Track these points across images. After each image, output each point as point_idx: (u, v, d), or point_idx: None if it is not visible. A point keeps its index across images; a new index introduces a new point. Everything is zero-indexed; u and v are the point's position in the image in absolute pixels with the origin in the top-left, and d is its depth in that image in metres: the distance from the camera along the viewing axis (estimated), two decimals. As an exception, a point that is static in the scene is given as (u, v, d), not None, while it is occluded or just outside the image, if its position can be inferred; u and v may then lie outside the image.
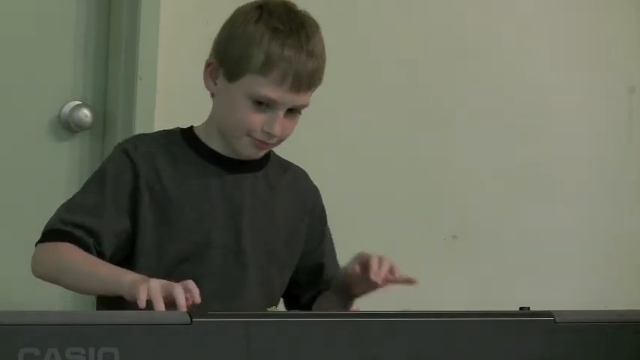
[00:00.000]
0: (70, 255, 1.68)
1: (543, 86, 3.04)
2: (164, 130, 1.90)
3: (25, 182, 2.44)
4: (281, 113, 1.76)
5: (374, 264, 1.73)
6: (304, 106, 1.79)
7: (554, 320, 1.50)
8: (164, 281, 1.53)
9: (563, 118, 3.07)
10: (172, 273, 1.74)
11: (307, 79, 1.76)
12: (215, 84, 1.80)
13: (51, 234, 1.73)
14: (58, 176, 2.47)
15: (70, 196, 1.80)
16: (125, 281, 1.57)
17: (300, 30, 1.76)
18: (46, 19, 2.45)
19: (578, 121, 3.09)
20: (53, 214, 1.77)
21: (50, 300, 2.43)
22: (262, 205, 1.85)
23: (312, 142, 2.64)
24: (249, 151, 1.80)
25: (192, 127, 1.87)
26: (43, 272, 1.72)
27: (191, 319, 1.30)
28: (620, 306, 1.74)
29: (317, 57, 1.77)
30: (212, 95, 1.83)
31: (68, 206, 1.77)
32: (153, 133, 1.90)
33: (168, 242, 1.77)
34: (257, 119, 1.75)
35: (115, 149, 1.81)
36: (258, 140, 1.77)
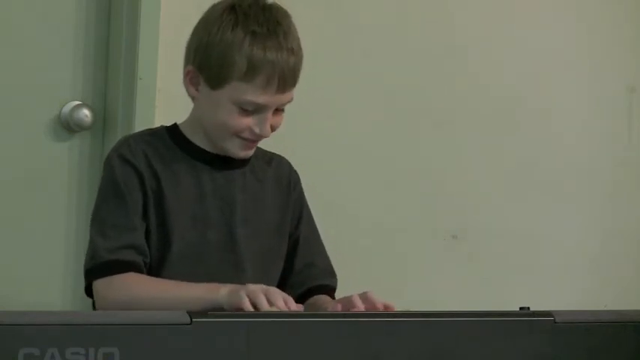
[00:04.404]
0: (140, 287, 1.69)
1: (543, 86, 3.04)
2: (149, 129, 1.90)
3: (25, 182, 2.44)
4: (269, 114, 1.76)
5: (359, 306, 1.66)
6: (290, 102, 1.79)
7: (554, 320, 1.50)
8: (262, 286, 1.55)
9: (563, 117, 3.07)
10: (173, 272, 1.75)
11: (291, 77, 1.76)
12: (197, 90, 1.80)
13: (105, 267, 1.71)
14: (58, 176, 2.47)
15: (94, 220, 1.78)
16: (222, 293, 1.58)
17: (277, 29, 1.75)
18: (46, 19, 2.45)
19: (578, 121, 3.09)
20: (90, 245, 1.75)
21: (50, 300, 2.43)
22: (253, 200, 1.86)
23: (312, 142, 2.64)
24: (238, 152, 1.81)
25: (176, 124, 1.88)
26: (113, 309, 1.69)
27: (191, 319, 1.30)
28: (620, 306, 1.74)
29: (296, 52, 1.77)
30: (193, 99, 1.83)
31: (103, 232, 1.75)
32: (139, 133, 1.89)
33: (167, 242, 1.77)
34: (245, 122, 1.76)
35: (112, 158, 1.79)
36: (247, 140, 1.78)
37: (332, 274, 1.93)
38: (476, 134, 2.93)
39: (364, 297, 1.66)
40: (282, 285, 1.88)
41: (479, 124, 2.93)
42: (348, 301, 1.68)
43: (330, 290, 1.90)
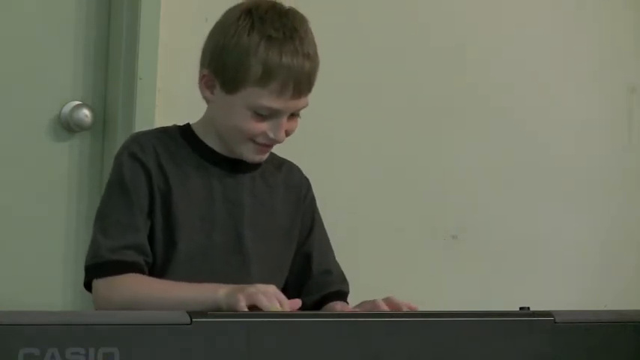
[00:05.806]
0: (140, 287, 1.68)
1: (543, 86, 3.04)
2: (161, 128, 1.89)
3: (25, 182, 2.44)
4: (284, 120, 1.76)
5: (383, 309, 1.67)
6: (305, 107, 1.78)
7: (554, 320, 1.50)
8: (259, 287, 1.54)
9: (563, 117, 3.07)
10: (179, 272, 1.75)
11: (307, 83, 1.75)
12: (212, 93, 1.79)
13: (106, 267, 1.71)
14: (58, 176, 2.46)
15: (98, 216, 1.77)
16: (221, 294, 1.57)
17: (293, 34, 1.74)
18: (46, 19, 2.45)
19: (578, 121, 3.09)
20: (92, 241, 1.74)
21: (50, 300, 2.43)
22: (261, 204, 1.86)
23: (311, 142, 2.64)
24: (252, 157, 1.80)
25: (189, 124, 1.87)
26: (112, 308, 1.68)
27: (191, 319, 1.30)
28: (620, 306, 1.74)
29: (313, 58, 1.76)
30: (207, 102, 1.83)
31: (105, 229, 1.74)
32: (151, 131, 1.89)
33: (174, 242, 1.77)
34: (260, 127, 1.75)
35: (122, 154, 1.78)
36: (261, 144, 1.78)
37: (345, 280, 1.94)
38: (475, 134, 2.93)
39: (388, 301, 1.67)
40: (297, 291, 1.87)
41: (478, 124, 2.93)
42: (372, 305, 1.68)
43: (344, 295, 1.91)
